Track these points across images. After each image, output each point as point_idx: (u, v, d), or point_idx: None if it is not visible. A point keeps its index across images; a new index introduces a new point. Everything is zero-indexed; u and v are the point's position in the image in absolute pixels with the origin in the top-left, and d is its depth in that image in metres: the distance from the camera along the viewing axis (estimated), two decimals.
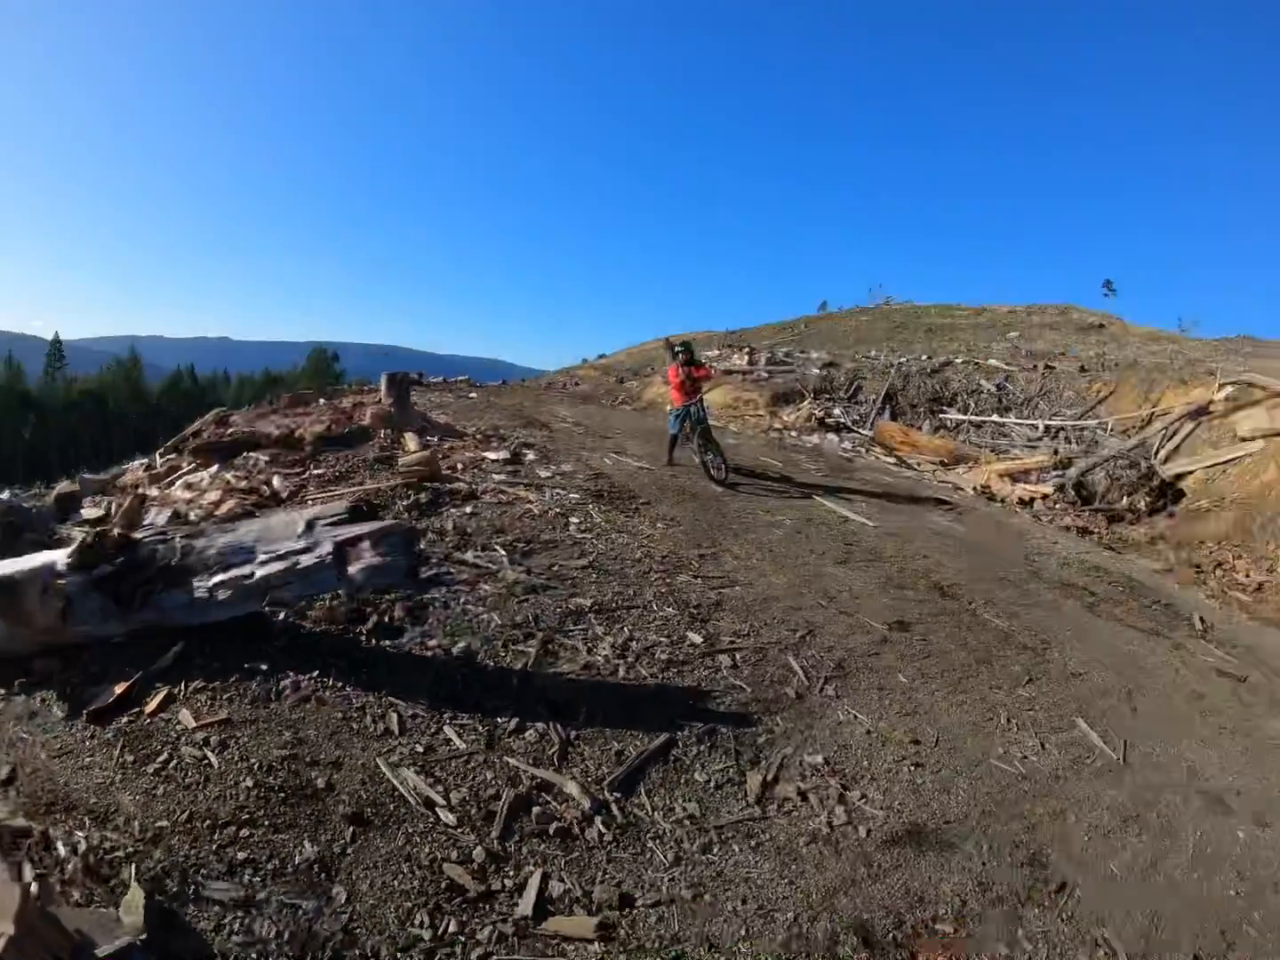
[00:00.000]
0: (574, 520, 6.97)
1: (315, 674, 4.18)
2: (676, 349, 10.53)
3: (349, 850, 3.21)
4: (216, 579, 4.19)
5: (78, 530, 5.93)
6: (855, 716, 4.64)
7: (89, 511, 6.50)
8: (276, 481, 6.73)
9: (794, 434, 15.49)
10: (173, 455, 8.73)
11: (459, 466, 7.89)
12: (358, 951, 2.84)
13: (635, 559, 6.38)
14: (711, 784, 3.90)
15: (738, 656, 5.09)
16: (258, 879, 3.03)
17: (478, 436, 9.66)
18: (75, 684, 3.97)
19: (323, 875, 3.09)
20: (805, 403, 17.62)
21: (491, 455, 8.59)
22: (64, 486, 7.23)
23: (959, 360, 20.10)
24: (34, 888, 2.49)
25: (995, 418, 17.36)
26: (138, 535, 4.43)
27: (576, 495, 7.72)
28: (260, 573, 4.23)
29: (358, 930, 2.90)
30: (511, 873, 3.22)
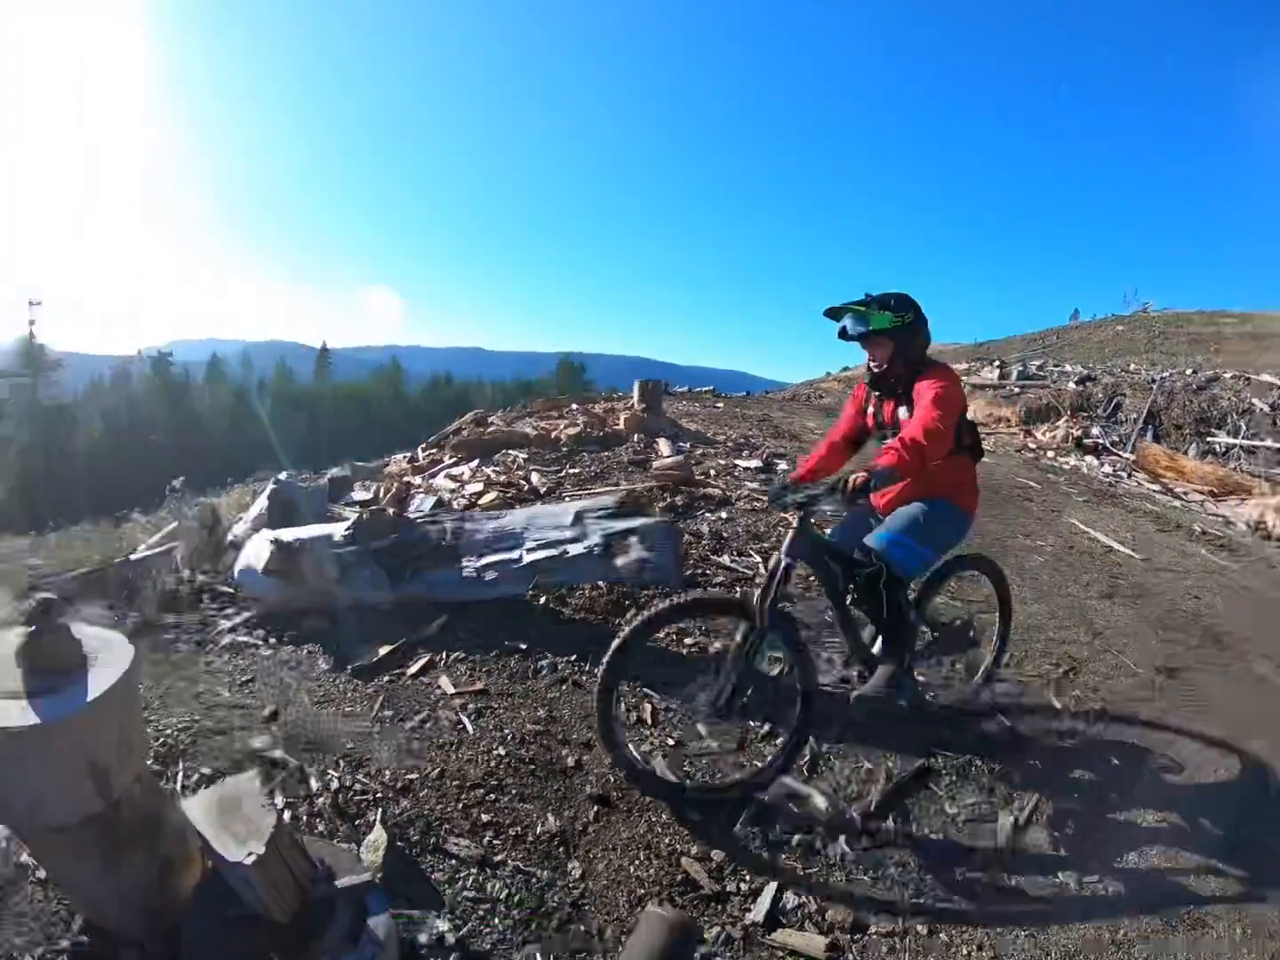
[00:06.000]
0: (827, 531, 6.75)
1: (573, 658, 4.30)
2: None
3: (590, 829, 3.26)
4: (485, 560, 4.44)
5: (349, 510, 6.41)
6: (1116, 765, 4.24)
7: (359, 494, 7.03)
8: (535, 478, 7.03)
9: (1049, 454, 14.55)
10: (433, 450, 9.28)
11: (711, 473, 7.96)
12: (582, 927, 2.86)
13: None
14: (961, 818, 3.68)
15: (999, 687, 4.77)
16: (498, 841, 3.13)
17: (728, 444, 9.72)
18: (341, 642, 4.28)
19: (561, 849, 3.15)
20: (1061, 421, 16.53)
21: (743, 463, 8.62)
22: (336, 471, 7.88)
23: (1227, 375, 18.16)
24: (285, 814, 2.65)
25: (1270, 443, 15.49)
26: (412, 516, 4.72)
27: None
28: (528, 558, 4.46)
29: (586, 908, 2.93)
30: (747, 878, 3.16)
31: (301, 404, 63.62)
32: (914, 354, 3.77)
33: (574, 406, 11.48)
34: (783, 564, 3.49)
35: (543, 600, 4.75)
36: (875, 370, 3.86)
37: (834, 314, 3.81)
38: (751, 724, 4.01)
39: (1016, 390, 18.30)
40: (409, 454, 9.85)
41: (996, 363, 20.75)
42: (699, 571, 5.51)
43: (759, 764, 3.69)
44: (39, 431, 48.76)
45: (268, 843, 2.22)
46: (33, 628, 2.25)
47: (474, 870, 2.97)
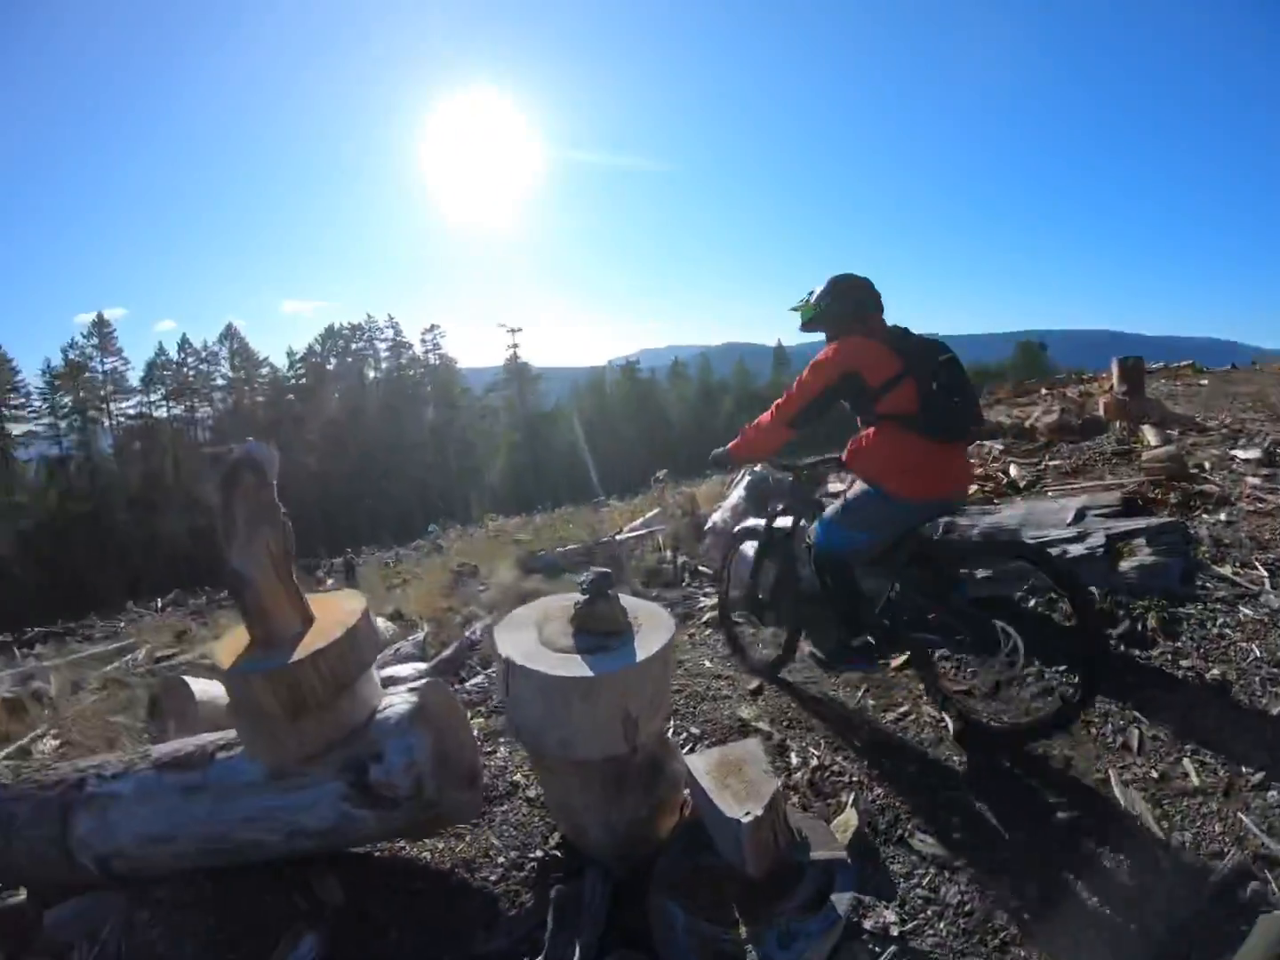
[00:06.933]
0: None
1: (1062, 669, 4.02)
2: None
3: (1057, 854, 3.06)
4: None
5: (826, 500, 6.64)
6: None
7: (834, 485, 7.19)
8: (1013, 470, 6.63)
9: None
10: None
11: (1205, 465, 6.93)
12: (1023, 953, 2.69)
13: None
14: None
15: None
16: (962, 847, 3.06)
17: (1221, 431, 8.40)
18: (825, 628, 4.33)
19: (1023, 868, 3.00)
20: None
21: (1241, 454, 7.32)
22: (812, 459, 8.07)
23: None
24: (779, 784, 2.83)
25: None
26: None
27: None
28: None
29: (1035, 933, 2.74)
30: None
31: (763, 400, 67.22)
32: (839, 335, 3.74)
33: (1044, 391, 10.70)
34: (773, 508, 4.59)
35: (1031, 603, 4.46)
36: None
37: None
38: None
39: None
40: None
41: None
42: (1199, 584, 4.73)
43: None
44: (525, 433, 62.20)
45: (766, 806, 2.44)
46: (588, 596, 2.70)
47: (932, 870, 2.96)
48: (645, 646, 2.61)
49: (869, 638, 3.81)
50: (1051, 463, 6.83)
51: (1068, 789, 3.36)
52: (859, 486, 3.70)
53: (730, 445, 4.02)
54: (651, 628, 2.73)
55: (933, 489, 3.55)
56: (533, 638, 2.70)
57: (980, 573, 4.30)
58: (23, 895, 3.05)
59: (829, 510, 3.84)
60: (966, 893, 2.87)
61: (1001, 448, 7.38)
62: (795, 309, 4.03)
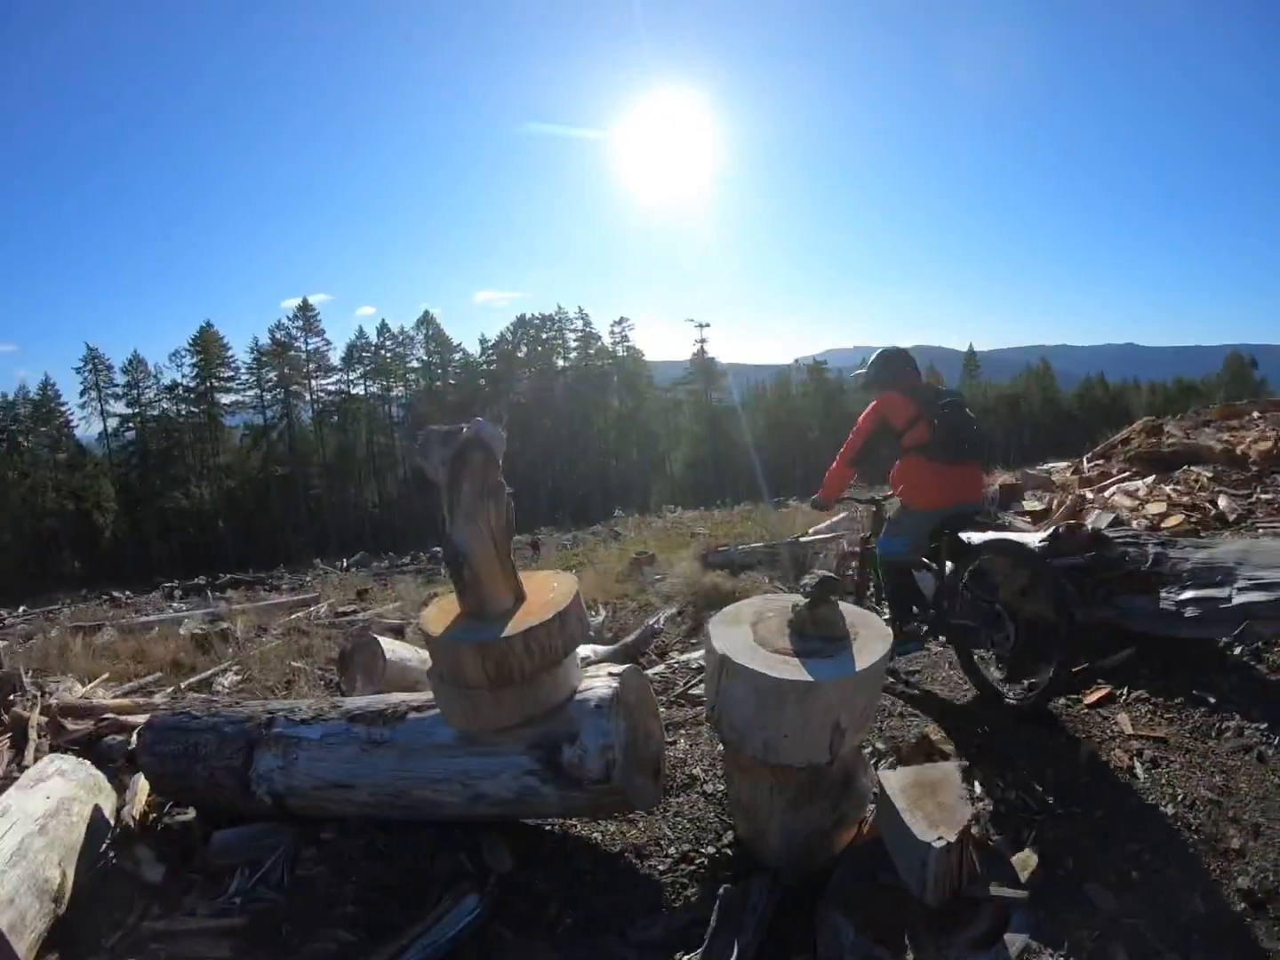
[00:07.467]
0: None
1: (1264, 726, 3.74)
2: None
3: (1235, 925, 2.83)
4: (1187, 595, 4.12)
5: (1019, 519, 6.47)
6: None
7: (1029, 504, 6.91)
8: (1222, 501, 6.09)
9: None
10: (1100, 461, 8.69)
11: None
12: None
13: None
14: None
15: None
16: (1140, 907, 2.87)
17: None
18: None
19: (1196, 937, 2.78)
20: None
21: None
22: (1006, 478, 7.79)
23: None
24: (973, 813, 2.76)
25: None
26: (1110, 534, 4.63)
27: None
28: (1239, 599, 4.03)
29: None
30: None
31: None
32: (882, 393, 4.66)
33: (1256, 415, 9.83)
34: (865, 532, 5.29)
35: (1237, 650, 4.15)
36: None
37: None
38: None
39: None
40: (1071, 463, 9.39)
41: None
42: None
43: None
44: (708, 428, 63.58)
45: (959, 833, 2.38)
46: (810, 599, 2.71)
47: (1104, 925, 2.79)
48: (863, 656, 2.59)
49: (920, 624, 4.61)
50: (1264, 496, 6.25)
51: (1255, 859, 3.12)
52: (896, 504, 4.72)
53: (820, 490, 4.96)
54: (869, 637, 2.72)
55: (940, 501, 4.43)
56: (747, 635, 2.72)
57: (1189, 611, 4.09)
58: (191, 815, 3.36)
59: (885, 527, 4.80)
60: (1135, 956, 2.70)
61: (1210, 475, 6.83)
62: (857, 373, 5.19)
